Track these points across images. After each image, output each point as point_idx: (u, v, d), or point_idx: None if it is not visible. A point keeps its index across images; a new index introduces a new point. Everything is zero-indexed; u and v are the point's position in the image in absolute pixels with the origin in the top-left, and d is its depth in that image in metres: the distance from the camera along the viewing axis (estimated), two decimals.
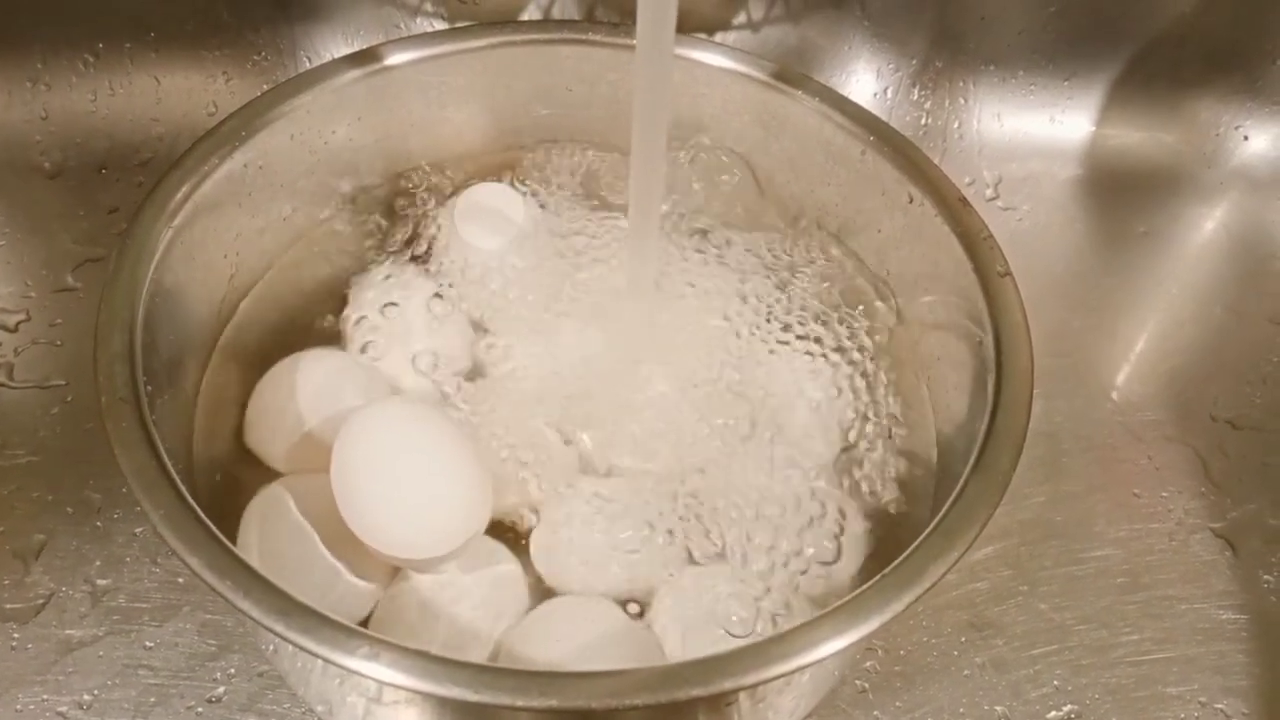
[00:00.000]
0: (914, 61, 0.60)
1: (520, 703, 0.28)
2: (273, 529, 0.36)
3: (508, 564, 0.37)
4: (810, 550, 0.38)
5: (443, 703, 0.30)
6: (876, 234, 0.46)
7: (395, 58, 0.46)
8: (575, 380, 0.42)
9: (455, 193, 0.48)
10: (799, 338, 0.44)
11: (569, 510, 0.38)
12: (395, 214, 0.48)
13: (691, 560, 0.38)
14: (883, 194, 0.45)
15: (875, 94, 0.61)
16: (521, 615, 0.36)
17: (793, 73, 0.47)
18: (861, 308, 0.46)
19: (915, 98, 0.61)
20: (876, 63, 0.60)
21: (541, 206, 0.48)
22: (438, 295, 0.44)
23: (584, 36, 0.48)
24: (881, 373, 0.44)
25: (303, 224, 0.47)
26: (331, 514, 0.34)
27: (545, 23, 0.55)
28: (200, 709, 0.40)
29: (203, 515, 0.31)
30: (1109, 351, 0.54)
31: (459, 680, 0.28)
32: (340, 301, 0.44)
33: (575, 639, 0.35)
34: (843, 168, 0.46)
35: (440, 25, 0.57)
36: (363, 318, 0.43)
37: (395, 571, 0.37)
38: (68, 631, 0.41)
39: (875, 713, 0.41)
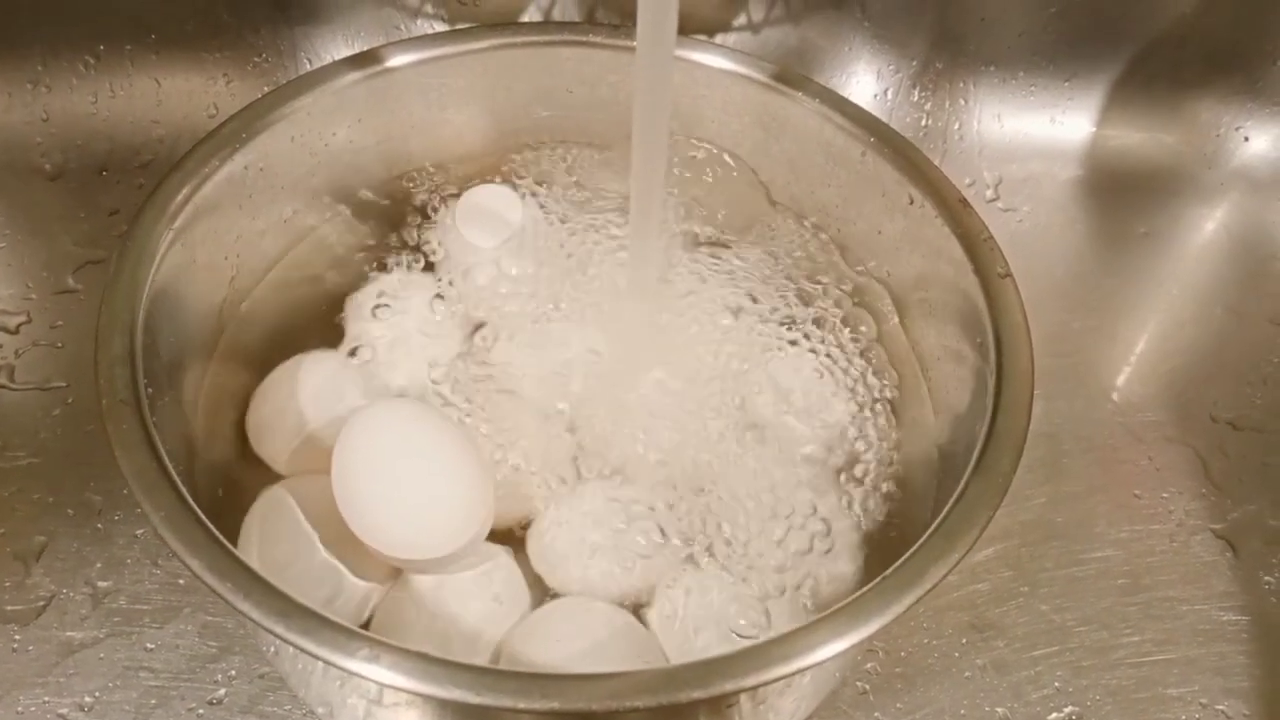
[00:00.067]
0: (914, 63, 0.60)
1: (522, 705, 0.28)
2: (274, 531, 0.36)
3: (508, 565, 0.37)
4: (811, 551, 0.38)
5: (444, 705, 0.30)
6: (877, 235, 0.46)
7: (396, 60, 0.46)
8: (576, 381, 0.42)
9: (456, 194, 0.48)
10: (799, 338, 0.44)
11: (569, 511, 0.38)
12: (396, 215, 0.48)
13: (692, 561, 0.38)
14: (883, 195, 0.45)
15: (875, 95, 0.61)
16: (522, 617, 0.36)
17: (793, 74, 0.47)
18: (862, 309, 0.46)
19: (915, 99, 0.61)
20: (877, 64, 0.60)
21: (542, 208, 0.48)
22: (438, 296, 0.44)
23: (584, 38, 0.48)
24: (882, 374, 0.44)
25: (303, 226, 0.47)
26: (332, 515, 0.34)
27: (546, 24, 0.55)
28: (201, 711, 0.40)
29: (203, 517, 0.31)
30: (1109, 352, 0.54)
31: (460, 682, 0.28)
32: (341, 303, 0.44)
33: (576, 640, 0.35)
34: (843, 169, 0.46)
35: (441, 27, 0.58)
36: (363, 319, 0.43)
37: (396, 573, 0.37)
38: (68, 633, 0.41)
39: (876, 714, 0.41)
